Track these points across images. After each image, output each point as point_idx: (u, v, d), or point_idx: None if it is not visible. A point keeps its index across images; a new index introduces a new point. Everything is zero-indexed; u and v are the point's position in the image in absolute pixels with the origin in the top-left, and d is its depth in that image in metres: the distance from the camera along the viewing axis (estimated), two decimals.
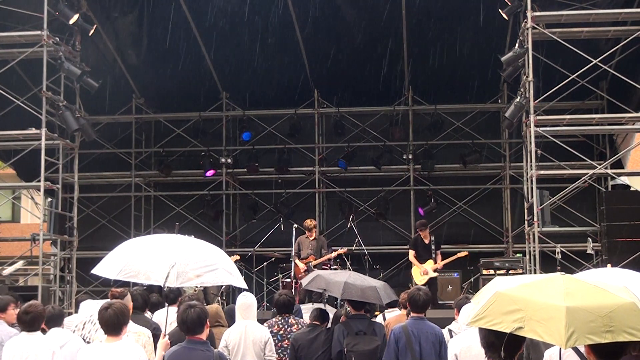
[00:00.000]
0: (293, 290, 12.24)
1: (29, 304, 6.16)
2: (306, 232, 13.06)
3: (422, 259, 12.97)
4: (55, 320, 6.62)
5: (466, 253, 13.54)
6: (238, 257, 13.70)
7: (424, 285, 12.79)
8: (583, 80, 12.11)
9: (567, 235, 13.24)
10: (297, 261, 12.89)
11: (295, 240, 13.13)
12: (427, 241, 13.03)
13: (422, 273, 12.82)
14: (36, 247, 13.31)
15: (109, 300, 5.98)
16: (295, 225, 13.75)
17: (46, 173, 13.12)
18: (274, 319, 7.62)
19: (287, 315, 7.62)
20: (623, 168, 15.27)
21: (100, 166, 17.29)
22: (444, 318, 7.43)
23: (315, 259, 12.75)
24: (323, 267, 12.50)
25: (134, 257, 5.98)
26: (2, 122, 13.70)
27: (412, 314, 6.76)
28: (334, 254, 12.86)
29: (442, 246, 13.49)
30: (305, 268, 12.52)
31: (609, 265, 10.31)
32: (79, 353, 5.59)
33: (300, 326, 7.51)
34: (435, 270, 12.88)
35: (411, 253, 13.13)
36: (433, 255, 12.96)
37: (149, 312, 8.35)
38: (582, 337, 3.31)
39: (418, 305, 6.71)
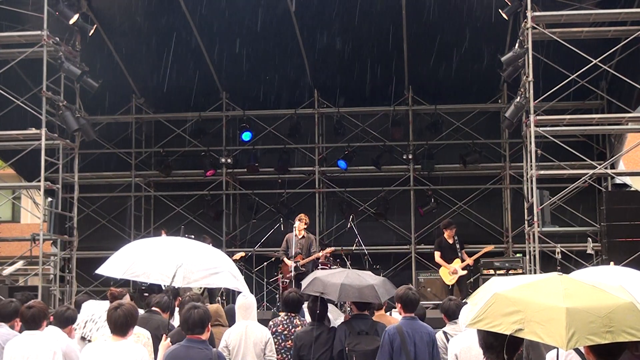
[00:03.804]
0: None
1: (33, 301, 6.18)
2: (295, 228, 12.78)
3: (448, 260, 12.82)
4: (64, 321, 6.61)
5: (492, 247, 13.52)
6: (243, 254, 13.59)
7: (454, 284, 12.78)
8: (583, 80, 12.12)
9: (567, 235, 13.25)
10: (285, 260, 12.75)
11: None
12: (451, 241, 12.90)
13: (451, 273, 12.77)
14: (36, 247, 13.31)
15: (119, 301, 5.99)
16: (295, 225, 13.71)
17: (46, 173, 13.11)
18: (279, 318, 7.59)
19: (294, 315, 7.58)
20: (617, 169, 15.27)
21: (100, 166, 17.28)
22: None
23: (304, 258, 12.59)
24: (323, 267, 12.39)
25: (140, 258, 6.03)
26: (2, 122, 13.69)
27: (404, 314, 6.71)
28: (320, 253, 12.71)
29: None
30: (294, 266, 12.36)
31: (611, 263, 10.27)
32: (84, 350, 5.61)
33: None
34: (464, 268, 12.81)
35: (437, 254, 12.93)
36: (459, 255, 12.88)
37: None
38: (582, 338, 3.30)
39: (412, 305, 6.69)
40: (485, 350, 3.72)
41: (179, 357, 5.31)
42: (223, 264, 6.23)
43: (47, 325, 6.35)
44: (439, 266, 12.99)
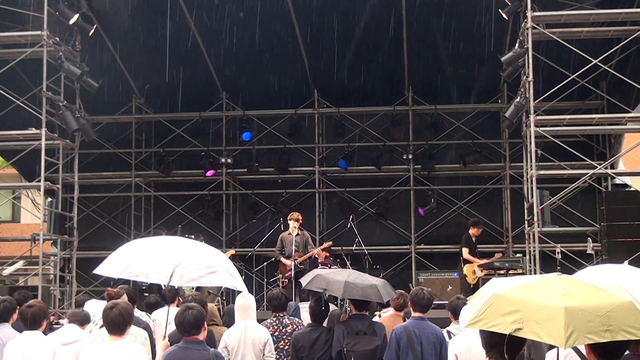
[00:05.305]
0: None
1: (33, 300, 6.18)
2: (289, 226, 12.75)
3: None
4: (83, 319, 6.65)
5: (500, 255, 13.51)
6: (234, 252, 13.71)
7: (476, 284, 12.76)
8: (583, 80, 12.12)
9: (567, 235, 13.24)
10: (282, 259, 12.76)
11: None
12: (474, 240, 12.93)
13: (473, 272, 12.76)
14: (36, 247, 13.31)
15: (114, 300, 6.00)
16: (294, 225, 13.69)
17: (46, 173, 13.12)
18: (268, 320, 7.58)
19: (282, 315, 7.58)
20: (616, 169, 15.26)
21: (100, 166, 17.28)
22: (446, 318, 7.40)
23: (300, 256, 12.60)
24: (322, 266, 12.42)
25: (138, 257, 6.04)
26: (2, 122, 13.70)
27: (413, 314, 6.74)
28: (317, 249, 12.71)
29: (443, 246, 13.42)
30: (292, 265, 12.37)
31: (626, 262, 10.18)
32: (82, 351, 5.61)
33: (295, 326, 7.47)
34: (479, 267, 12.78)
35: (465, 251, 12.81)
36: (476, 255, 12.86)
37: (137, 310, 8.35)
38: (581, 337, 3.31)
39: (422, 305, 6.70)
40: (489, 350, 3.71)
41: (176, 358, 5.29)
42: (220, 263, 6.24)
43: (47, 325, 6.35)
44: (440, 266, 13.00)
